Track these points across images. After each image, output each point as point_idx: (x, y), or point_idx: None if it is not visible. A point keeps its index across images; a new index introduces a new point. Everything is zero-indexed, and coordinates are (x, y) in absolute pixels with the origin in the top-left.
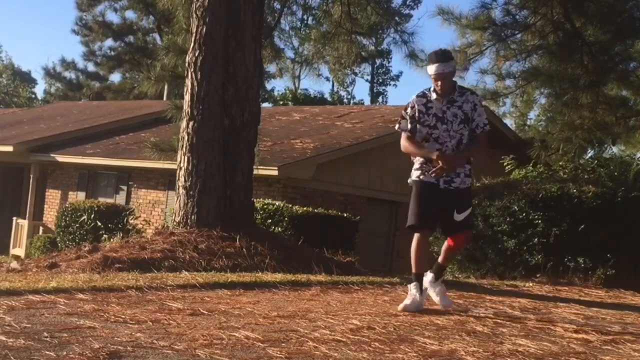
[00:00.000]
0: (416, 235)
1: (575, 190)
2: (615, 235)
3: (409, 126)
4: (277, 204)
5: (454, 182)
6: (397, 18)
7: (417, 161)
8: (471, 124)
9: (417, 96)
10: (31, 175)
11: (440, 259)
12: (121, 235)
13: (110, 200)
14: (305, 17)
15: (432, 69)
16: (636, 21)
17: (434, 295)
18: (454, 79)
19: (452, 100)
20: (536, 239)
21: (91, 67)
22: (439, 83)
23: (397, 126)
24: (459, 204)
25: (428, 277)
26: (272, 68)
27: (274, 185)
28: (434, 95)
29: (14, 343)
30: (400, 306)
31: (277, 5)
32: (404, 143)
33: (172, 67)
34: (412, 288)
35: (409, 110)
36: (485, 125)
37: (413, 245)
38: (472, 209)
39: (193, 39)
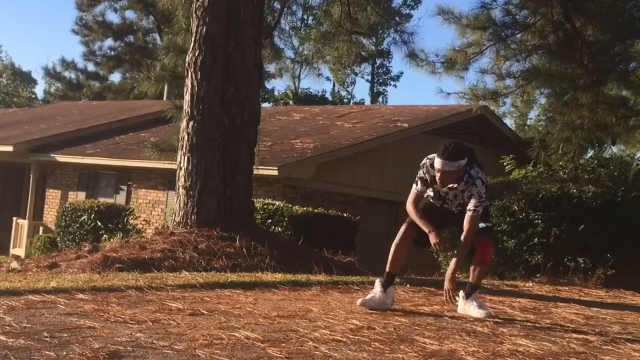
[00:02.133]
0: (400, 235)
1: (575, 190)
2: (615, 235)
3: (426, 190)
4: (277, 204)
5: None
6: (397, 18)
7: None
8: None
9: (430, 165)
10: (31, 175)
11: (471, 279)
12: (121, 235)
13: (110, 200)
14: (305, 17)
15: (437, 162)
16: (636, 21)
17: (474, 312)
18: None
19: (452, 187)
20: (536, 239)
21: (91, 67)
22: (438, 175)
23: (415, 187)
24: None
25: (460, 297)
26: (272, 68)
27: (274, 185)
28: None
29: (14, 343)
30: (359, 300)
31: (277, 5)
32: (411, 207)
33: (172, 67)
34: (377, 284)
35: (421, 173)
36: (476, 208)
37: (395, 243)
38: (491, 225)
39: (193, 39)
